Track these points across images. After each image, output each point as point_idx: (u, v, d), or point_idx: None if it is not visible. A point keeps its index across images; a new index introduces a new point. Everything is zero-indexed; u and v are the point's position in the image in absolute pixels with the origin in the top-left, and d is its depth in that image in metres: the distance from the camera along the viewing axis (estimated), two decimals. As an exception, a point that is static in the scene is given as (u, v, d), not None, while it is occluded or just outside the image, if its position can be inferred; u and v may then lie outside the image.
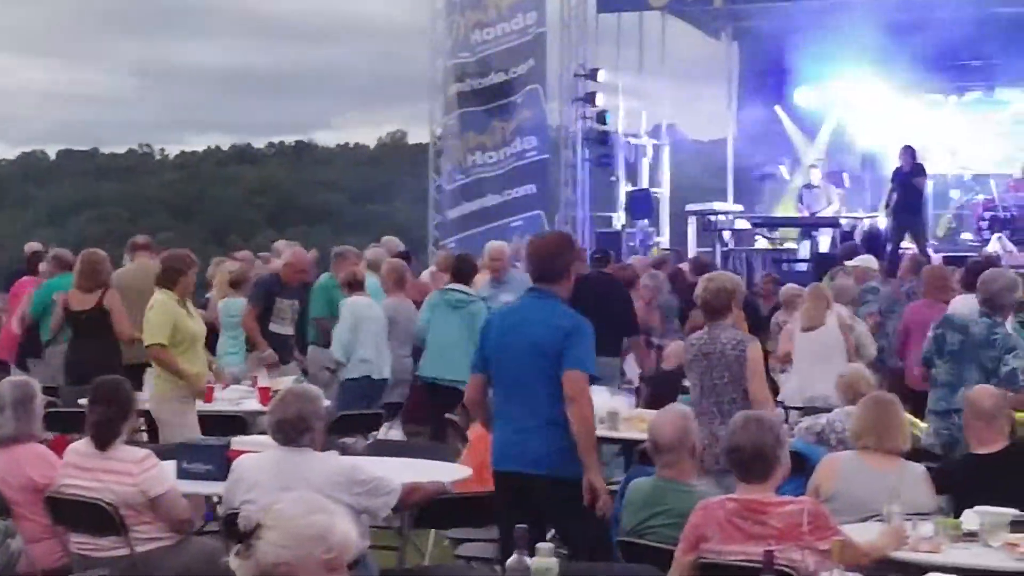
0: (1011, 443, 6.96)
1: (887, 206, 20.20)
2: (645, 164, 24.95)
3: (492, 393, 6.93)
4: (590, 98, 23.80)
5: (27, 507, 6.89)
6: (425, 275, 15.58)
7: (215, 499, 7.40)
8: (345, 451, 7.96)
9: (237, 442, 7.36)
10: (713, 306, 8.01)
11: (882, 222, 21.24)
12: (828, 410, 9.15)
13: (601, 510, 6.55)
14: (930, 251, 19.43)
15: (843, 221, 22.12)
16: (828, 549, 5.21)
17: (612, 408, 9.65)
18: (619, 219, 24.31)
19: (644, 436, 6.97)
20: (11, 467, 6.98)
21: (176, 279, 9.62)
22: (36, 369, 12.36)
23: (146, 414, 9.69)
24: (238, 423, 9.44)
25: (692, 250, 22.49)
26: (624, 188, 24.50)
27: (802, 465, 7.76)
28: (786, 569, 5.20)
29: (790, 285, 14.16)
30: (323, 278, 13.05)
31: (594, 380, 6.78)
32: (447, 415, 11.07)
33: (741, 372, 7.76)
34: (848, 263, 14.84)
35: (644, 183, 24.82)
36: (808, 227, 22.42)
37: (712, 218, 23.19)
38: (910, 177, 19.67)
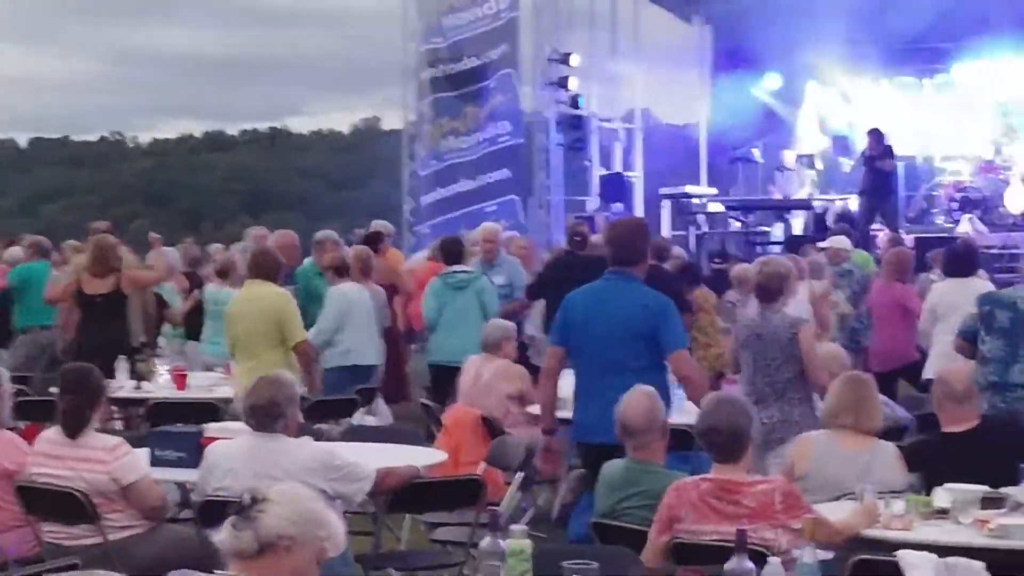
0: (981, 421, 7.00)
1: (861, 193, 20.28)
2: (618, 148, 24.97)
3: (575, 368, 7.45)
4: (563, 82, 23.78)
5: (-2, 495, 6.86)
6: (412, 262, 15.58)
7: (188, 486, 7.39)
8: (320, 437, 7.96)
9: (210, 429, 7.34)
10: (768, 289, 8.43)
11: (854, 204, 21.32)
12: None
13: None
14: (902, 232, 19.49)
15: (816, 203, 22.18)
16: (799, 528, 5.24)
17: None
18: (593, 203, 24.31)
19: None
20: (-23, 454, 6.95)
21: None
22: (2, 357, 12.33)
23: (118, 402, 9.68)
24: (211, 410, 9.41)
25: (666, 233, 22.51)
26: (598, 172, 24.51)
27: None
28: (759, 548, 5.21)
29: (741, 264, 14.22)
30: (305, 264, 13.00)
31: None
32: (422, 400, 11.05)
33: (794, 353, 8.17)
34: (822, 244, 14.90)
35: (618, 167, 24.84)
36: (781, 209, 22.47)
37: (686, 201, 23.22)
38: (878, 160, 19.73)
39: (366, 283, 12.36)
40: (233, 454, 6.52)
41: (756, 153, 24.71)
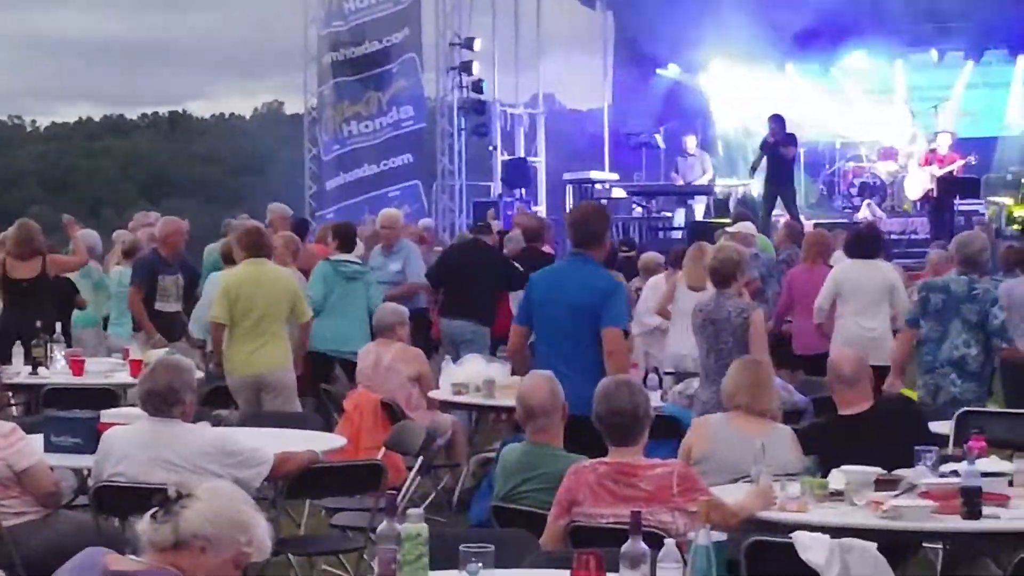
0: (874, 404, 7.09)
1: (753, 170, 20.48)
2: (522, 133, 25.00)
3: (534, 343, 7.87)
4: (466, 67, 23.77)
5: None
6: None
7: (85, 472, 7.31)
8: (219, 423, 7.90)
9: (107, 415, 7.26)
10: (721, 274, 8.78)
11: (755, 189, 21.50)
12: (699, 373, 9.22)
13: None
14: (802, 218, 19.67)
15: (717, 189, 22.33)
16: (697, 510, 5.27)
17: (488, 376, 9.68)
18: (496, 188, 24.33)
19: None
20: None
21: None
22: None
23: (14, 388, 9.56)
24: (109, 396, 9.31)
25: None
26: (501, 157, 24.53)
27: (675, 429, 7.86)
28: (656, 530, 5.24)
29: (649, 252, 14.28)
30: (215, 250, 12.85)
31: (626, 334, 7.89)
32: (323, 385, 11.01)
33: (745, 337, 8.51)
34: (729, 229, 14.97)
35: (521, 152, 24.86)
36: (683, 195, 22.61)
37: (589, 187, 23.29)
38: (779, 146, 19.91)
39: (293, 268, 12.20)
40: (129, 440, 6.46)
41: (658, 139, 24.83)
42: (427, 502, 9.01)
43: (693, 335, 8.92)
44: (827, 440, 6.89)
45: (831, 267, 11.97)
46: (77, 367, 10.27)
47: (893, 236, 19.90)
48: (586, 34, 26.40)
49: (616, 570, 4.39)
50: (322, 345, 11.41)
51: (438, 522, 8.47)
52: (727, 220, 15.34)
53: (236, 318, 9.98)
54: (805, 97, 23.89)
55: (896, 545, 5.79)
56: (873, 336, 10.64)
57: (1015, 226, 19.51)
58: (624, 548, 4.39)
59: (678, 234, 21.44)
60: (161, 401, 6.38)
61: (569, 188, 23.63)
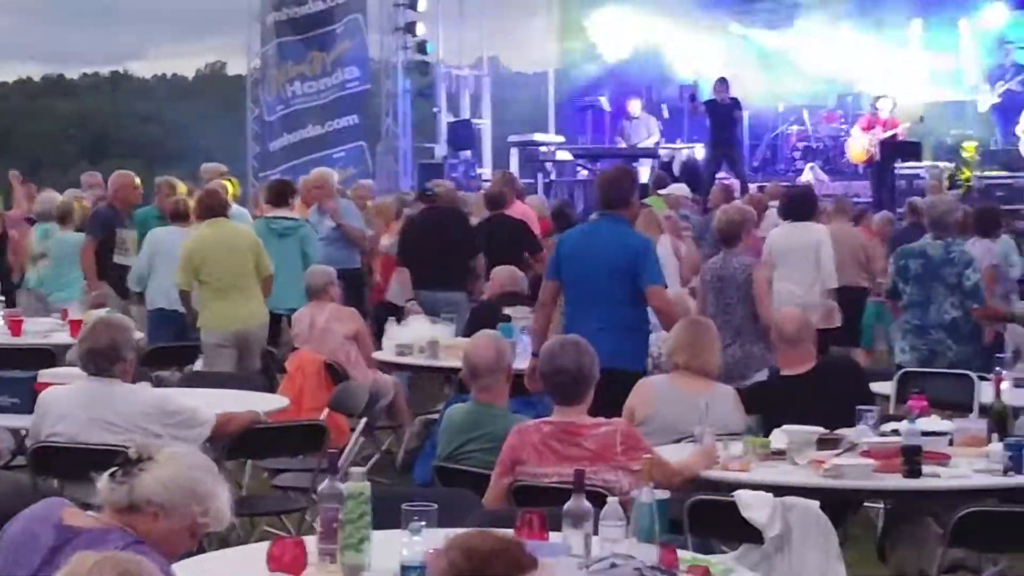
0: (816, 364, 7.11)
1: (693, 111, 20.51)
2: (467, 95, 24.91)
3: (563, 299, 8.08)
4: (410, 28, 23.65)
5: None
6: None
7: (22, 432, 7.24)
8: (160, 384, 7.85)
9: (44, 374, 7.19)
10: (728, 233, 9.52)
11: (700, 153, 21.52)
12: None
13: None
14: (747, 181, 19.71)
15: (662, 152, 22.33)
16: (639, 469, 5.27)
17: (432, 337, 9.66)
18: (441, 150, 24.25)
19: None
20: None
21: None
22: None
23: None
24: (47, 356, 9.22)
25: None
26: (446, 119, 24.45)
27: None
28: (599, 489, 5.24)
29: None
30: (145, 210, 12.75)
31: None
32: (265, 347, 10.93)
33: (748, 293, 9.30)
34: (661, 191, 14.99)
35: (466, 114, 24.78)
36: (628, 158, 22.59)
37: (534, 149, 23.24)
38: (726, 109, 19.91)
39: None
40: (67, 399, 6.41)
41: (603, 102, 24.79)
42: (370, 463, 8.99)
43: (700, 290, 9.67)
44: (769, 400, 6.93)
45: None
46: (15, 327, 10.17)
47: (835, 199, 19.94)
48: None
49: (559, 529, 4.39)
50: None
51: (381, 483, 8.45)
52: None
53: (206, 279, 10.13)
54: (749, 60, 23.87)
55: (837, 504, 5.83)
56: (800, 300, 10.59)
57: (960, 190, 19.60)
58: (567, 506, 4.39)
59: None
60: (102, 359, 6.32)
61: (514, 151, 23.59)
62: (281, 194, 12.08)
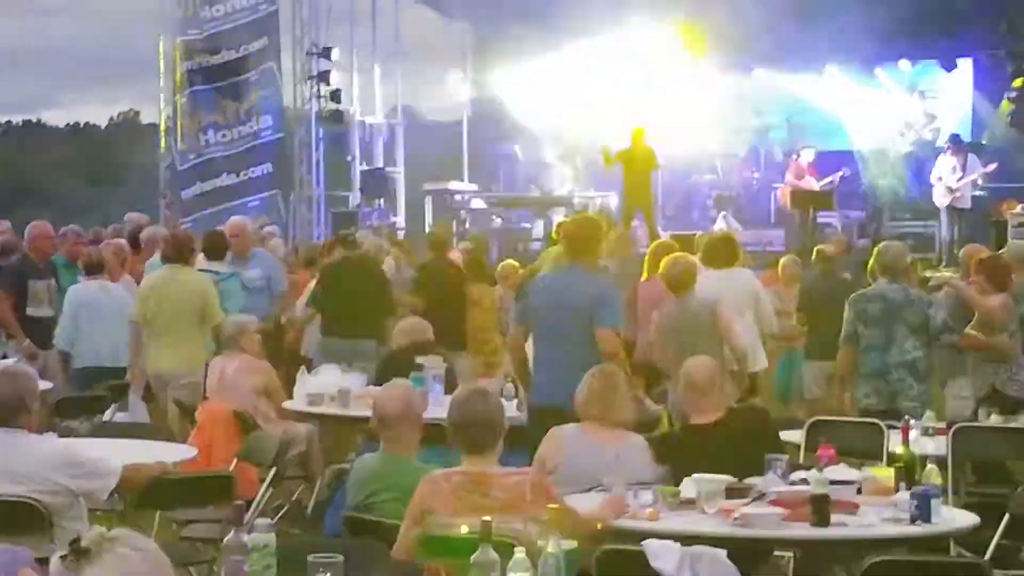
0: (726, 413, 7.13)
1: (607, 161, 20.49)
2: (380, 144, 24.94)
3: (534, 342, 8.63)
4: (324, 77, 23.66)
5: None
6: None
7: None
8: (69, 434, 7.75)
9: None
10: (682, 282, 9.79)
11: (613, 201, 21.64)
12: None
13: None
14: (659, 230, 19.81)
15: (576, 200, 22.44)
16: (548, 519, 5.27)
17: (344, 386, 9.62)
18: (355, 198, 24.24)
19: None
20: None
21: None
22: None
23: None
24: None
25: (428, 229, 22.53)
26: (359, 168, 24.45)
27: (528, 439, 7.85)
28: (508, 540, 5.22)
29: (507, 261, 14.36)
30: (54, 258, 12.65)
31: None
32: (175, 398, 10.84)
33: (714, 332, 9.53)
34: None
35: (380, 163, 24.80)
36: (543, 206, 22.69)
37: (448, 197, 23.29)
38: (638, 158, 20.03)
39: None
40: (-28, 450, 6.30)
41: (517, 151, 24.89)
42: (280, 514, 8.91)
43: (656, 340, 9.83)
44: (679, 449, 6.93)
45: None
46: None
47: (748, 247, 20.11)
48: (445, 44, 26.43)
49: (468, 580, 4.36)
50: None
51: (291, 534, 8.38)
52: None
53: (147, 317, 10.70)
54: (663, 109, 24.04)
55: (747, 553, 5.84)
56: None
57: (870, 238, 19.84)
58: (474, 558, 4.37)
59: (537, 245, 21.49)
60: (5, 409, 6.22)
61: (428, 199, 23.62)
62: (216, 247, 12.04)
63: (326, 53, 23.62)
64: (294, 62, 23.94)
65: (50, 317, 11.73)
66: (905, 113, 23.08)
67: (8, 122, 65.65)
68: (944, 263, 19.00)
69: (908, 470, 6.43)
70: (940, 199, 20.51)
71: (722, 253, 11.37)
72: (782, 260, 14.30)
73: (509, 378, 9.60)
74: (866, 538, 5.84)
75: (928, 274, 15.63)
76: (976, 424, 8.65)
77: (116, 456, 6.70)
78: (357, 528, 6.05)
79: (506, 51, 24.73)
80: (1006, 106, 21.92)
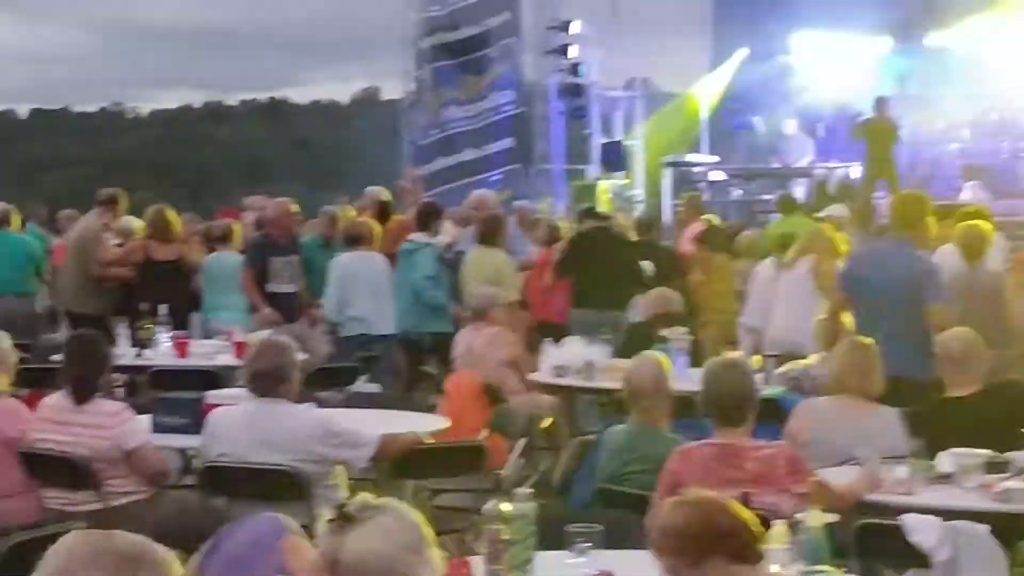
0: (985, 387, 6.96)
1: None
2: (619, 116, 24.90)
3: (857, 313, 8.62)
4: (563, 50, 23.72)
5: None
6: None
7: (191, 452, 7.39)
8: (322, 405, 7.94)
9: (212, 395, 7.33)
10: (975, 249, 9.97)
11: (855, 172, 21.25)
12: (803, 356, 9.14)
13: None
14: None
15: (816, 171, 22.11)
16: (804, 492, 5.23)
17: (588, 358, 9.66)
18: (593, 171, 24.27)
19: (619, 385, 6.97)
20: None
21: None
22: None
23: (119, 369, 9.64)
24: (213, 378, 9.38)
25: (667, 202, 22.44)
26: (598, 140, 24.46)
27: (777, 412, 7.78)
28: (762, 512, 5.19)
29: (745, 233, 14.26)
30: (309, 236, 12.96)
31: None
32: (422, 367, 11.04)
33: (998, 300, 9.58)
34: (818, 214, 14.84)
35: (619, 136, 24.78)
36: (782, 178, 22.40)
37: (687, 169, 23.16)
38: (882, 127, 19.63)
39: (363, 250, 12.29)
40: (235, 420, 6.51)
41: (757, 121, 24.61)
42: (527, 484, 8.99)
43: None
44: (933, 422, 6.80)
45: None
46: (182, 349, 10.37)
47: (999, 219, 19.56)
48: (686, 15, 26.27)
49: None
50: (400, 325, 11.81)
51: (540, 504, 8.45)
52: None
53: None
54: (913, 77, 23.49)
55: (1006, 528, 5.71)
56: None
57: None
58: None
59: (777, 217, 21.22)
60: (268, 380, 6.41)
61: (667, 171, 23.51)
62: (426, 218, 12.23)
63: (565, 26, 23.65)
64: (534, 36, 24.04)
65: (292, 292, 11.99)
66: None
67: (253, 100, 67.54)
68: None
69: None
70: None
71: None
72: None
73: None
74: None
75: None
76: None
77: (370, 426, 6.86)
78: (610, 499, 6.08)
79: (745, 20, 24.49)
80: None
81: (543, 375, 9.96)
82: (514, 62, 23.74)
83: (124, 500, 6.66)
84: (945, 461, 6.03)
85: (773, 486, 5.49)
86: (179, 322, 11.12)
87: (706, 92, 24.67)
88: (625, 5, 25.02)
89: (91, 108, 68.68)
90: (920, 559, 5.22)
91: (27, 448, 6.76)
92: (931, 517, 5.26)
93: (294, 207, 12.46)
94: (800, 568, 4.20)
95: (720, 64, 25.50)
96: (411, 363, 11.63)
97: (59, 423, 6.73)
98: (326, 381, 10.17)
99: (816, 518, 4.31)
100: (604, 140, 24.37)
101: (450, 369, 10.20)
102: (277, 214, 12.28)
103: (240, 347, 9.79)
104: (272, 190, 16.27)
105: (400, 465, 7.01)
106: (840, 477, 5.97)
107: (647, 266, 12.12)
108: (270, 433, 6.39)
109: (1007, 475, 5.90)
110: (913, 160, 22.91)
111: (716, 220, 15.49)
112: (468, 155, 23.74)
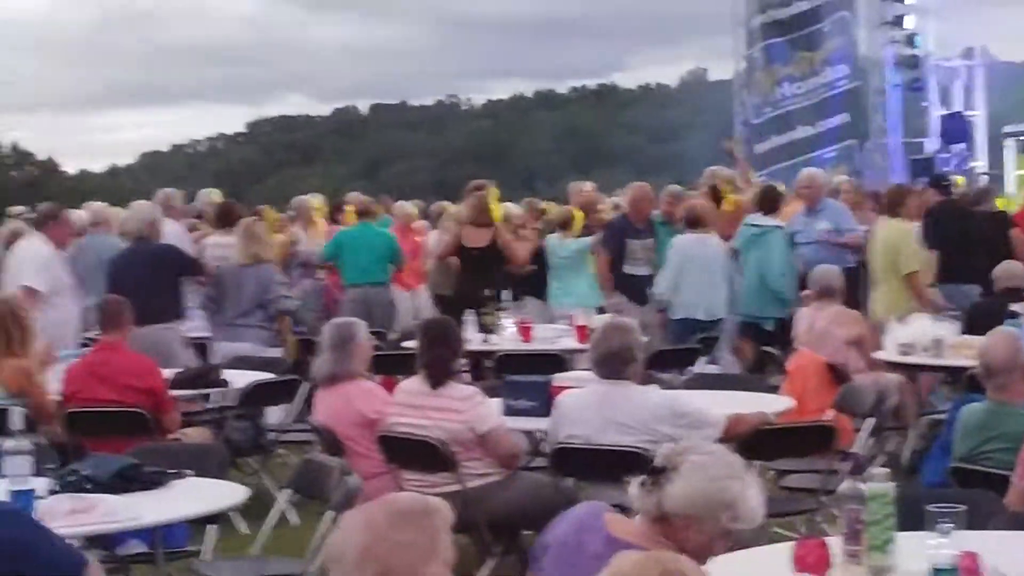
0: None
1: None
2: (958, 87, 24.19)
3: None
4: (898, 21, 23.19)
5: (360, 443, 7.07)
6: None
7: (537, 434, 7.53)
8: (663, 386, 7.97)
9: (559, 378, 7.45)
10: None
11: None
12: None
13: None
14: None
15: None
16: None
17: (937, 335, 9.44)
18: (932, 144, 23.64)
19: (970, 363, 6.81)
20: (339, 404, 7.18)
21: None
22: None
23: (469, 354, 9.91)
24: (556, 361, 9.52)
25: (1010, 174, 21.72)
26: (936, 113, 23.82)
27: None
28: None
29: None
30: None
31: None
32: (764, 348, 10.96)
33: None
34: None
35: (958, 107, 24.08)
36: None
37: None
38: None
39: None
40: (584, 402, 6.60)
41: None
42: (875, 464, 8.83)
43: None
44: None
45: None
46: (526, 333, 10.57)
47: None
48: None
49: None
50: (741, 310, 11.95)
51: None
52: None
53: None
54: None
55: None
56: None
57: None
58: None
59: None
60: (615, 361, 6.48)
61: (1009, 142, 22.74)
62: (768, 200, 12.26)
63: (900, -4, 23.17)
64: (868, 8, 23.57)
65: (644, 275, 12.14)
66: None
67: (582, 87, 68.23)
68: None
69: None
70: None
71: None
72: None
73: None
74: None
75: None
76: None
77: (715, 407, 6.85)
78: (967, 479, 5.93)
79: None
80: None
81: (889, 354, 9.77)
82: (848, 35, 23.31)
83: (480, 482, 6.81)
84: None
85: None
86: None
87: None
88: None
89: (428, 101, 70.54)
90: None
91: (385, 431, 6.98)
92: None
93: (650, 191, 12.67)
94: None
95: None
96: (754, 345, 11.58)
97: (413, 407, 6.93)
98: (666, 363, 10.21)
99: None
100: (943, 112, 23.72)
101: (792, 349, 10.10)
102: (635, 197, 12.51)
103: (582, 331, 9.93)
104: (601, 175, 16.41)
105: (747, 446, 6.97)
106: None
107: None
108: (618, 414, 6.46)
109: None
110: None
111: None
112: (801, 132, 23.45)
